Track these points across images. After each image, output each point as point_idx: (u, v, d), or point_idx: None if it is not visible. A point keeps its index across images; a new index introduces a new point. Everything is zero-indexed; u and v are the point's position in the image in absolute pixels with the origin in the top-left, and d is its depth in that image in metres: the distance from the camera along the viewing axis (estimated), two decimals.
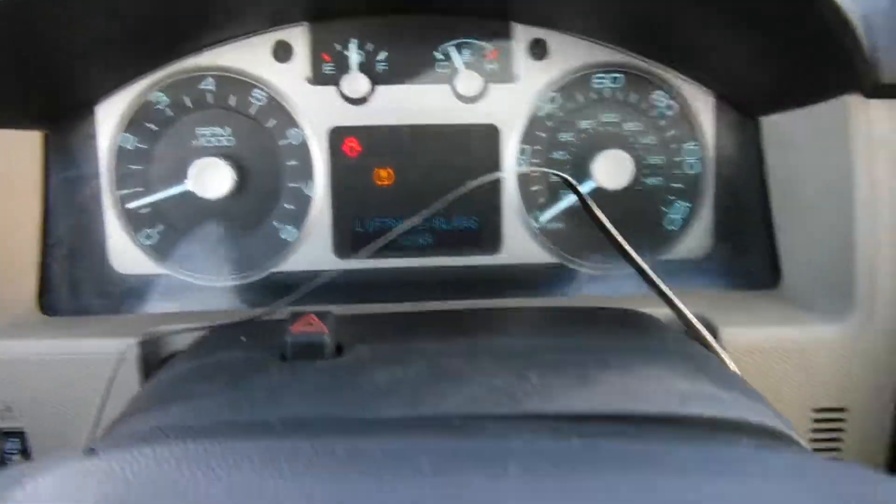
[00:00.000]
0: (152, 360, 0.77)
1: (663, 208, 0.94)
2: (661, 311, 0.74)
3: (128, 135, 0.89)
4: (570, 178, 0.69)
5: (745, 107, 0.92)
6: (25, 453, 0.78)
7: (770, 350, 0.76)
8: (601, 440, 0.39)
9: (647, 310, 0.74)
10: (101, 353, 0.75)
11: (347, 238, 0.92)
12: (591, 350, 0.57)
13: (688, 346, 0.62)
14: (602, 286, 0.94)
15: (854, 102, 0.74)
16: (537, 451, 0.37)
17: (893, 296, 0.75)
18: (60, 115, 0.87)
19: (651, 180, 0.93)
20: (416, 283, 0.92)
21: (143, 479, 0.34)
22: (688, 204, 0.94)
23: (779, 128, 0.89)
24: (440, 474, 0.34)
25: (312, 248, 0.92)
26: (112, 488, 0.34)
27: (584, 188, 0.91)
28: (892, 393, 0.77)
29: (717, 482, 0.32)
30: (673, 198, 0.94)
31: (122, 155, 0.89)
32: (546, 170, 0.74)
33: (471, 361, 0.53)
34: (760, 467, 0.34)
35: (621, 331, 0.66)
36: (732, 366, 0.62)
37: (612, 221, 0.92)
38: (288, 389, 0.49)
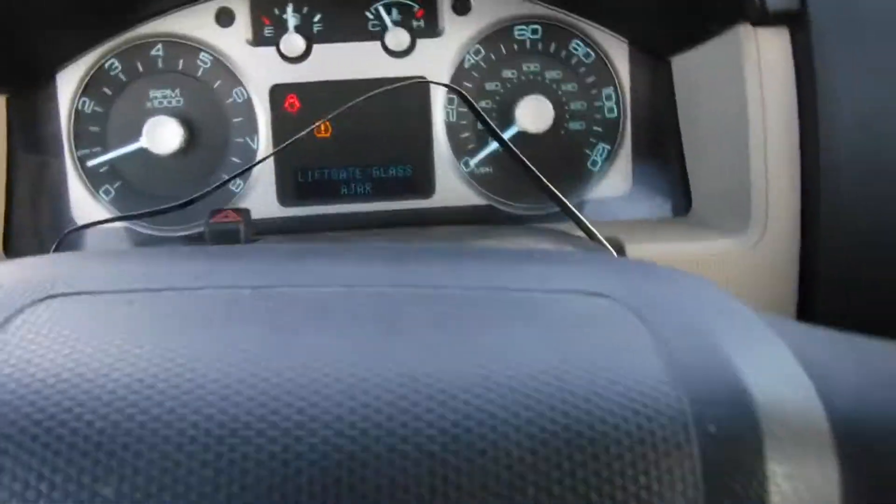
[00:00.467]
0: None
1: (586, 150, 1.00)
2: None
3: (85, 99, 0.97)
4: (467, 95, 0.75)
5: (656, 50, 0.98)
6: None
7: (673, 264, 0.82)
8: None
9: None
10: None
11: (291, 187, 0.99)
12: (471, 237, 0.63)
13: (567, 236, 0.68)
14: (532, 224, 1.00)
15: (744, 32, 0.80)
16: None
17: (784, 212, 0.81)
18: (22, 82, 0.96)
19: (573, 125, 1.00)
20: (355, 227, 0.99)
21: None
22: (608, 146, 1.00)
23: (685, 66, 0.95)
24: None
25: (258, 198, 0.99)
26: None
27: (509, 132, 0.98)
28: (789, 302, 0.82)
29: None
30: (594, 140, 1.00)
31: (80, 117, 0.97)
32: (443, 84, 0.81)
33: (365, 254, 0.60)
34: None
35: (520, 235, 0.72)
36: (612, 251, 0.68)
37: (536, 163, 0.99)
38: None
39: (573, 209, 0.74)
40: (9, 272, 0.35)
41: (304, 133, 0.74)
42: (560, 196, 0.74)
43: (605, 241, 0.72)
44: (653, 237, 0.86)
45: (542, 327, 0.30)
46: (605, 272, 0.36)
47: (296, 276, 0.35)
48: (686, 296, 0.34)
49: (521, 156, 0.75)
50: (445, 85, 0.78)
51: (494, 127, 0.76)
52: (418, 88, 0.98)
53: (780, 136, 0.80)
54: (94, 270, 0.35)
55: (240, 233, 0.65)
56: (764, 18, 0.79)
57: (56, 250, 0.80)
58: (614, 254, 0.70)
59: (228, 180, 0.75)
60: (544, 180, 0.74)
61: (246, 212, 0.68)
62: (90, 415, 0.25)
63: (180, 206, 0.75)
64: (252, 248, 0.41)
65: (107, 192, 0.98)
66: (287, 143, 0.74)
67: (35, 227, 0.96)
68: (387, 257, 0.38)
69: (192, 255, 0.39)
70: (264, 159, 0.79)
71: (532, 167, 0.75)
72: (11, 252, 0.94)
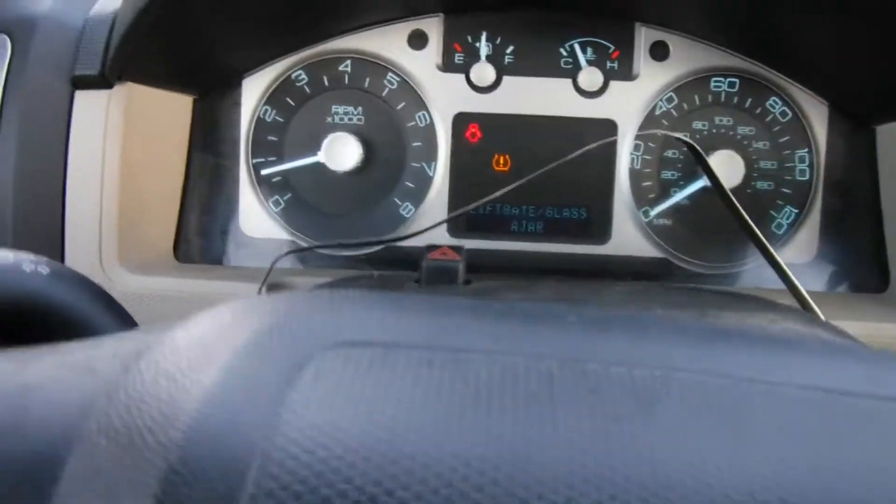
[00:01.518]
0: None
1: (772, 212, 0.96)
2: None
3: (268, 107, 0.96)
4: (698, 148, 0.72)
5: (859, 115, 0.94)
6: None
7: (874, 344, 0.77)
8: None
9: None
10: (231, 294, 0.81)
11: (461, 218, 0.96)
12: (713, 300, 0.59)
13: (797, 311, 0.63)
14: (704, 282, 0.96)
15: None
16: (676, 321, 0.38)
17: None
18: (210, 84, 0.95)
19: (761, 184, 0.95)
20: (523, 267, 0.96)
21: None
22: (796, 209, 0.95)
23: (894, 136, 0.90)
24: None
25: (428, 225, 0.96)
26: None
27: (694, 186, 0.94)
28: None
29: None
30: (782, 203, 0.96)
31: (260, 125, 0.96)
32: (675, 134, 0.77)
33: (598, 295, 0.57)
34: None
35: (736, 297, 0.68)
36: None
37: (721, 221, 0.94)
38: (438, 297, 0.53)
39: (797, 284, 0.70)
40: (281, 309, 0.31)
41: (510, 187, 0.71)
42: (786, 269, 0.70)
43: (820, 312, 0.67)
44: (852, 313, 0.82)
45: None
46: None
47: (605, 351, 0.31)
48: None
49: (736, 203, 0.71)
50: (679, 138, 0.74)
51: (723, 186, 0.73)
52: (606, 131, 0.95)
53: None
54: (379, 316, 0.32)
55: (458, 273, 0.63)
56: None
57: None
58: (854, 341, 0.66)
59: (450, 217, 0.72)
60: (772, 251, 0.70)
61: (461, 250, 0.65)
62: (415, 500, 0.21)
63: (388, 241, 0.73)
64: (538, 310, 0.38)
65: (276, 203, 0.97)
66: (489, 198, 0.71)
67: (205, 231, 0.95)
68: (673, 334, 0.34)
69: (478, 311, 0.35)
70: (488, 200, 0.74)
71: (760, 235, 0.71)
72: (180, 254, 0.93)
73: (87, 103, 0.81)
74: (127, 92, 0.83)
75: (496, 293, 0.56)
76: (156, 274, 0.84)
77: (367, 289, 0.55)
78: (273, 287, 0.81)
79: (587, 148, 0.71)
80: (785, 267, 0.71)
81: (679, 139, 0.74)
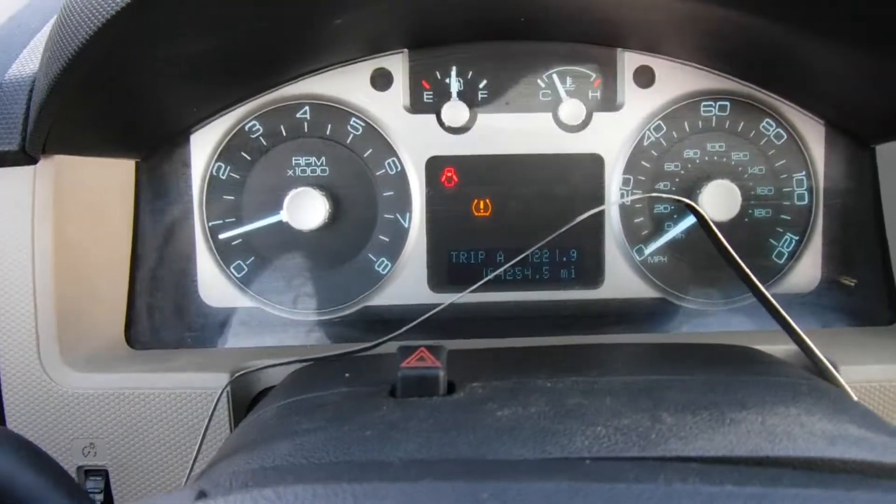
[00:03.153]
0: (242, 396, 0.74)
1: (771, 240, 0.90)
2: (775, 349, 0.71)
3: (221, 164, 0.87)
4: (693, 204, 0.66)
5: (858, 135, 0.88)
6: (107, 493, 0.74)
7: (891, 389, 0.72)
8: (752, 486, 0.34)
9: (760, 347, 0.70)
10: (190, 387, 0.72)
11: (443, 271, 0.88)
12: (720, 387, 0.52)
13: (817, 383, 0.57)
14: (706, 322, 0.90)
15: None
16: (684, 496, 0.33)
17: None
18: (154, 144, 0.85)
19: (759, 212, 0.89)
20: (514, 317, 0.89)
21: None
22: (796, 236, 0.90)
23: None
24: None
25: (407, 282, 0.88)
26: None
27: (689, 220, 0.88)
28: None
29: None
30: (781, 230, 0.90)
31: (214, 184, 0.87)
32: (668, 195, 0.71)
33: (592, 398, 0.49)
34: None
35: (744, 367, 0.62)
36: (863, 403, 0.57)
37: (716, 255, 0.88)
38: (401, 427, 0.45)
39: (805, 338, 0.64)
40: None
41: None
42: (780, 308, 0.64)
43: (830, 366, 0.62)
44: (865, 354, 0.76)
45: None
46: None
47: None
48: None
49: (731, 249, 0.65)
50: (679, 200, 0.67)
51: (705, 217, 0.66)
52: (593, 166, 0.88)
53: None
54: None
55: (438, 382, 0.52)
56: None
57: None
58: (845, 385, 0.60)
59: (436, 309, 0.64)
60: (765, 293, 0.64)
61: (442, 352, 0.55)
62: None
63: (370, 347, 0.65)
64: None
65: (238, 269, 0.87)
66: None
67: (159, 308, 0.85)
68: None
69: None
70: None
71: (741, 262, 0.64)
72: (135, 341, 0.84)
73: (8, 182, 0.71)
74: (55, 166, 0.73)
75: (483, 408, 0.48)
76: (105, 369, 0.74)
77: (330, 416, 0.47)
78: (240, 377, 0.72)
79: (578, 219, 0.64)
80: (803, 335, 0.64)
81: (678, 201, 0.67)
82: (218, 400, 0.68)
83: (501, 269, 0.70)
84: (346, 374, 0.57)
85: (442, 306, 0.67)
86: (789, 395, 0.50)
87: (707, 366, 0.62)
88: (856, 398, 0.58)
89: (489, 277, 0.70)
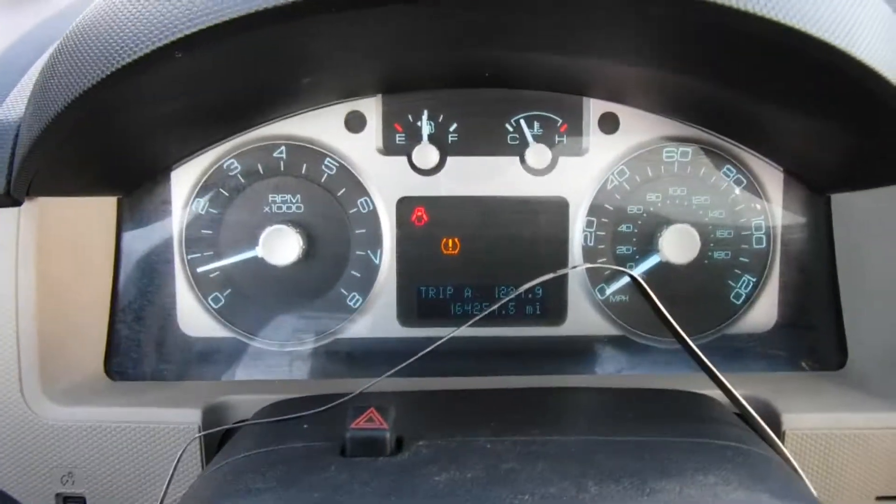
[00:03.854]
0: (215, 426, 0.78)
1: (729, 282, 0.93)
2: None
3: (200, 200, 0.90)
4: (634, 274, 0.70)
5: (814, 183, 0.91)
6: None
7: (833, 436, 0.76)
8: None
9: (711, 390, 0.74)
10: (163, 422, 0.76)
11: (412, 306, 0.92)
12: (647, 451, 0.56)
13: (745, 447, 0.60)
14: (666, 359, 0.93)
15: None
16: None
17: None
18: (135, 182, 0.89)
19: (717, 254, 0.93)
20: (479, 352, 0.92)
21: None
22: (753, 278, 0.93)
23: (849, 206, 0.88)
24: None
25: (377, 316, 0.92)
26: None
27: (650, 262, 0.91)
28: None
29: None
30: (739, 272, 0.93)
31: (193, 219, 0.90)
32: (611, 267, 0.75)
33: (525, 463, 0.53)
34: None
35: (682, 423, 0.65)
36: (790, 457, 0.61)
37: (676, 295, 0.92)
38: (346, 490, 0.49)
39: (718, 374, 0.67)
40: None
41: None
42: (706, 361, 0.68)
43: (759, 419, 0.65)
44: (809, 401, 0.79)
45: None
46: None
47: None
48: None
49: (660, 305, 0.69)
50: (620, 270, 0.71)
51: (637, 278, 0.69)
52: (557, 209, 0.91)
53: None
54: None
55: (385, 443, 0.55)
56: None
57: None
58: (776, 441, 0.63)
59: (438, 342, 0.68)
60: (693, 347, 0.68)
61: (389, 413, 0.58)
62: None
63: (342, 401, 0.68)
64: None
65: (216, 300, 0.91)
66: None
67: (140, 342, 0.89)
68: None
69: None
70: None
71: (671, 319, 0.68)
72: (114, 373, 0.88)
73: None
74: (39, 207, 0.77)
75: (423, 471, 0.51)
76: (84, 401, 0.78)
77: (281, 476, 0.50)
78: (211, 412, 0.76)
79: (544, 278, 0.68)
80: (733, 389, 0.67)
81: (619, 271, 0.71)
82: (182, 453, 0.71)
83: (496, 305, 0.73)
84: (305, 426, 0.61)
85: (438, 343, 0.71)
86: (714, 461, 0.54)
87: (646, 420, 0.65)
88: (787, 456, 0.61)
89: (485, 312, 0.74)
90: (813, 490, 0.55)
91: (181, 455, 0.68)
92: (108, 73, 0.53)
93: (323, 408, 0.66)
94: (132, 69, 0.52)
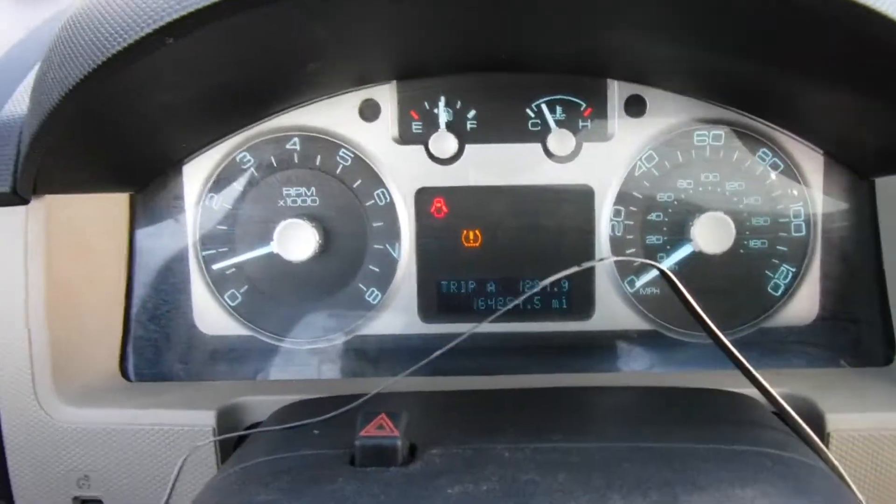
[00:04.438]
0: (231, 428, 0.75)
1: (767, 272, 0.88)
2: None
3: (213, 195, 0.88)
4: (663, 268, 0.65)
5: (857, 166, 0.86)
6: None
7: (881, 438, 0.71)
8: None
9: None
10: (178, 424, 0.74)
11: (433, 301, 0.89)
12: (677, 461, 0.51)
13: (791, 447, 0.56)
14: (700, 355, 0.88)
15: None
16: None
17: None
18: (147, 177, 0.87)
19: (754, 243, 0.88)
20: (503, 349, 0.89)
21: None
22: (793, 268, 0.88)
23: (895, 190, 0.83)
24: None
25: (397, 312, 0.89)
26: None
27: (682, 252, 0.86)
28: None
29: None
30: (777, 262, 0.88)
31: (207, 215, 0.88)
32: (638, 259, 0.71)
33: (545, 474, 0.49)
34: None
35: (716, 427, 0.60)
36: (836, 463, 0.56)
37: (710, 287, 0.87)
38: (355, 503, 0.46)
39: (756, 374, 0.63)
40: None
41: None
42: (744, 361, 0.63)
43: (801, 421, 0.60)
44: (854, 401, 0.74)
45: None
46: None
47: None
48: None
49: (693, 302, 0.64)
50: (649, 263, 0.66)
51: (669, 274, 0.65)
52: (582, 198, 0.87)
53: None
54: None
55: (396, 452, 0.52)
56: None
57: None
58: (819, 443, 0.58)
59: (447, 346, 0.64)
60: (729, 346, 0.63)
61: (400, 419, 0.55)
62: None
63: (356, 404, 0.64)
64: None
65: (232, 297, 0.89)
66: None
67: (155, 341, 0.87)
68: None
69: None
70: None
71: (704, 316, 0.63)
72: (130, 373, 0.86)
73: (1, 223, 0.73)
74: (47, 205, 0.75)
75: (435, 483, 0.48)
76: (98, 403, 0.76)
77: (287, 487, 0.47)
78: (226, 414, 0.74)
79: (569, 271, 0.63)
80: (772, 391, 0.63)
81: (647, 263, 0.67)
82: (183, 461, 0.69)
83: (520, 299, 0.69)
84: (315, 431, 0.58)
85: (459, 339, 0.66)
86: (749, 472, 0.50)
87: (677, 426, 0.61)
88: (833, 462, 0.56)
89: (508, 307, 0.68)
90: (864, 501, 0.51)
91: (182, 463, 0.66)
92: (100, 62, 0.50)
93: (334, 413, 0.63)
94: (123, 57, 0.49)
